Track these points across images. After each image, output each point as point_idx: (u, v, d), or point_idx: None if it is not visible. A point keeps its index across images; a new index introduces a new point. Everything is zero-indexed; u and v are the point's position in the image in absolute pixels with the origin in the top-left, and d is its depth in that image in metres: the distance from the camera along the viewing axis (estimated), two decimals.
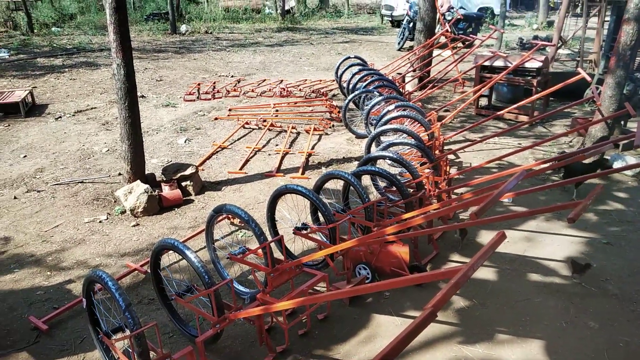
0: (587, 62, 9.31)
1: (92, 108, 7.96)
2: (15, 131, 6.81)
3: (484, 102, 8.01)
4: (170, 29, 16.56)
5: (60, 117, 7.47)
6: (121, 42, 4.35)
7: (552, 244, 3.95)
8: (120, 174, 5.28)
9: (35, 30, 15.59)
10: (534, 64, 7.02)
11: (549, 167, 3.57)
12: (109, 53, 12.13)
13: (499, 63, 7.37)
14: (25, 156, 5.93)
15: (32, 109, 7.77)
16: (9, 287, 3.51)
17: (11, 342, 2.98)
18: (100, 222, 4.42)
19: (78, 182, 5.21)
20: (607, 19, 8.43)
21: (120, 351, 2.40)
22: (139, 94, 5.05)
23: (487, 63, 7.45)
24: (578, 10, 14.09)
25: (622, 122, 6.08)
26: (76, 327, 3.11)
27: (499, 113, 5.43)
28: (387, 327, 3.05)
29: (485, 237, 4.06)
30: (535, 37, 13.39)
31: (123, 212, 4.56)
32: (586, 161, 4.77)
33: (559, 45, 9.95)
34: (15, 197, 4.88)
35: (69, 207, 4.69)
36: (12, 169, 5.55)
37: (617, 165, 5.25)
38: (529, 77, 7.20)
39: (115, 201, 4.77)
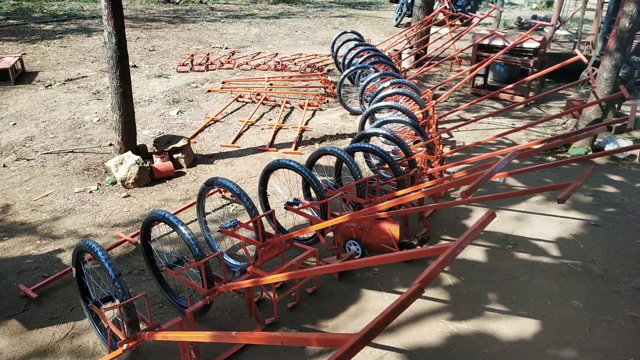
0: (585, 44, 9.26)
1: (83, 77, 7.83)
2: (4, 98, 6.69)
3: (480, 81, 7.97)
4: None
5: (50, 85, 7.34)
6: (113, 10, 4.24)
7: (541, 224, 3.99)
8: (111, 145, 5.23)
9: None
10: (531, 44, 6.96)
11: (541, 148, 3.58)
12: (100, 20, 11.87)
13: (496, 42, 7.31)
14: (14, 124, 5.84)
15: (21, 76, 7.62)
16: None
17: (0, 310, 2.98)
18: (90, 192, 4.39)
19: (68, 152, 5.16)
20: (607, 0, 8.34)
21: (109, 320, 2.41)
22: (130, 63, 4.97)
23: (484, 42, 7.39)
24: None
25: (617, 105, 6.08)
26: (66, 296, 3.12)
27: (494, 93, 5.42)
28: (375, 302, 3.08)
29: (476, 215, 4.09)
30: (534, 17, 13.25)
31: (114, 183, 4.53)
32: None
33: (557, 25, 9.87)
34: (4, 165, 4.82)
35: (59, 177, 4.65)
36: (1, 137, 5.47)
37: (609, 147, 5.27)
38: (526, 58, 7.16)
39: (105, 172, 4.73)
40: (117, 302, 2.37)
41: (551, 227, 3.95)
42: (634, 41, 7.64)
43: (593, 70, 5.51)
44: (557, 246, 3.69)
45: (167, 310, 3.02)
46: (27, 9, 13.41)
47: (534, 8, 17.99)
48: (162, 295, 3.06)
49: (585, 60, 4.82)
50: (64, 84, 7.44)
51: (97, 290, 2.73)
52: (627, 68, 6.35)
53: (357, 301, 3.10)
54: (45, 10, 13.27)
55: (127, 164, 4.47)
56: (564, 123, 6.26)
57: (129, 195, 4.36)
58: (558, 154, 5.33)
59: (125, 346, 2.33)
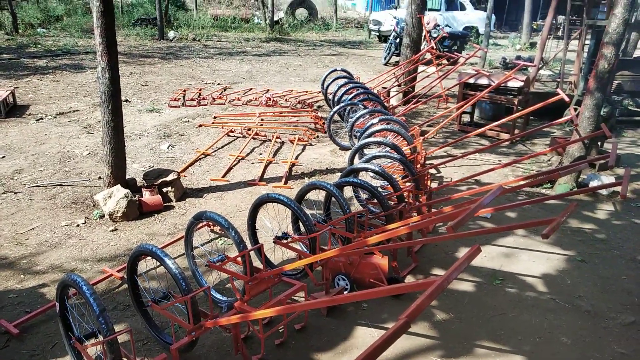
0: (567, 84, 9.54)
1: (74, 111, 7.87)
2: None
3: (466, 118, 8.15)
4: (157, 35, 16.51)
5: (41, 118, 7.37)
6: (107, 46, 4.32)
7: (528, 260, 4.02)
8: (100, 178, 5.22)
9: (20, 31, 15.41)
10: (515, 83, 7.17)
11: (526, 184, 3.64)
12: (94, 56, 12.02)
13: (482, 81, 7.52)
14: (3, 157, 5.82)
15: (12, 109, 7.65)
16: None
17: None
18: (77, 225, 4.36)
19: (57, 185, 5.13)
20: (587, 42, 8.67)
21: (92, 357, 2.36)
22: (123, 98, 5.02)
23: (470, 80, 7.59)
24: (560, 33, 14.47)
25: (599, 143, 6.24)
26: (48, 331, 3.05)
27: (480, 130, 5.53)
28: (364, 339, 3.05)
29: (464, 250, 4.10)
30: (518, 57, 13.68)
31: (102, 217, 4.50)
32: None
33: (540, 66, 10.18)
34: None
35: (46, 210, 4.61)
36: None
37: (593, 184, 5.37)
38: (510, 96, 7.35)
39: (94, 205, 4.71)
40: (101, 338, 2.33)
41: (538, 263, 3.97)
42: (615, 81, 7.91)
43: (575, 109, 5.67)
44: (544, 282, 3.71)
45: (152, 346, 2.96)
46: (21, 43, 13.57)
47: (518, 49, 18.57)
48: (147, 331, 3.01)
49: (567, 99, 4.96)
50: (55, 117, 7.47)
51: (81, 326, 2.68)
52: (608, 107, 6.54)
53: (345, 337, 3.07)
54: (39, 45, 13.44)
55: (115, 198, 4.46)
56: (549, 160, 6.39)
57: (116, 229, 4.33)
58: (544, 190, 5.42)
59: None
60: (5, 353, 2.86)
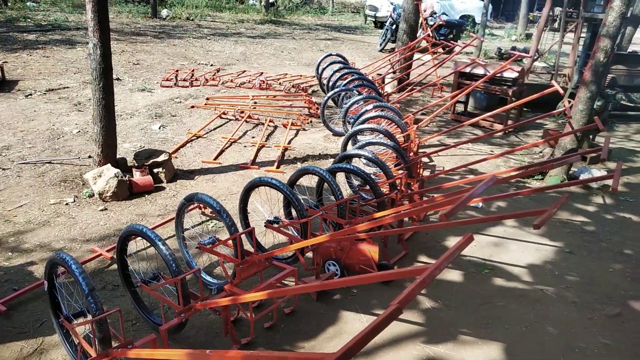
0: (561, 76, 9.56)
1: (64, 87, 7.75)
2: None
3: (460, 108, 8.14)
4: (150, 13, 16.23)
5: (30, 94, 7.24)
6: (99, 22, 4.24)
7: (517, 250, 4.05)
8: (90, 157, 5.16)
9: (9, 4, 15.06)
10: (510, 74, 7.16)
11: (519, 175, 3.66)
12: (85, 32, 11.82)
13: (477, 71, 7.50)
14: None
15: (1, 84, 7.50)
16: None
17: None
18: (66, 204, 4.31)
19: (45, 162, 5.07)
20: (583, 35, 8.67)
21: (80, 336, 2.34)
22: (114, 76, 4.95)
23: (466, 70, 7.57)
24: (556, 25, 14.45)
25: (591, 136, 6.27)
26: (36, 310, 3.03)
27: (474, 120, 5.53)
28: (353, 324, 3.07)
29: (454, 240, 4.13)
30: (514, 48, 13.66)
31: (91, 196, 4.46)
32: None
33: (535, 57, 10.18)
34: None
35: (34, 188, 4.55)
36: None
37: (583, 177, 5.41)
38: (505, 87, 7.35)
39: (83, 184, 4.66)
40: (90, 317, 2.31)
41: (527, 253, 4.01)
42: (609, 75, 7.93)
43: (569, 102, 5.69)
44: (532, 272, 3.75)
45: (141, 327, 2.96)
46: (10, 17, 13.28)
47: (514, 40, 18.54)
48: (136, 311, 3.00)
49: (561, 91, 4.97)
50: (45, 94, 7.35)
51: (69, 305, 2.66)
52: (602, 100, 6.57)
53: (335, 322, 3.08)
54: (29, 20, 13.16)
55: (105, 177, 4.41)
56: (541, 151, 6.42)
57: (106, 209, 4.29)
58: (535, 182, 5.45)
59: None
60: None
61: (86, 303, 2.30)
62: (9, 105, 6.68)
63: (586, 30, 8.39)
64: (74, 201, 4.37)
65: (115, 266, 3.37)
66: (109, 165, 4.57)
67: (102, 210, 4.26)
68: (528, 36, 18.39)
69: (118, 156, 4.86)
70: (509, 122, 7.29)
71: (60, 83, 7.94)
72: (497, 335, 3.04)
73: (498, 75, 7.03)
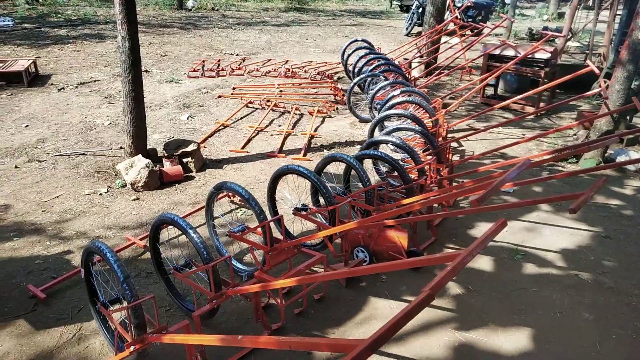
0: (596, 56, 9.22)
1: (95, 80, 7.92)
2: (18, 100, 6.78)
3: (490, 91, 7.96)
4: (176, 4, 16.39)
5: (63, 88, 7.43)
6: (127, 15, 4.30)
7: (550, 235, 3.96)
8: (121, 148, 5.27)
9: (40, 0, 15.42)
10: (542, 54, 6.94)
11: (552, 159, 3.55)
12: (114, 25, 12.02)
13: (507, 52, 7.30)
14: (27, 126, 5.91)
15: (35, 78, 7.72)
16: (8, 255, 3.53)
17: (9, 309, 3.00)
18: (100, 194, 4.42)
19: (79, 154, 5.20)
20: (619, 12, 8.31)
21: (117, 322, 2.41)
22: (142, 68, 5.01)
23: (495, 52, 7.38)
24: (590, 2, 13.90)
25: (628, 117, 6.04)
26: (74, 297, 3.13)
27: (504, 103, 5.39)
28: (382, 310, 3.06)
29: (484, 226, 4.06)
30: (545, 28, 13.25)
31: (123, 186, 4.56)
32: None
33: (568, 37, 9.84)
34: (16, 167, 4.87)
35: (69, 179, 4.69)
36: (13, 138, 5.53)
37: (620, 159, 5.23)
38: (536, 68, 7.13)
39: (116, 174, 4.77)
40: (125, 304, 2.38)
41: (561, 238, 3.91)
42: None
43: (605, 82, 5.48)
44: (566, 257, 3.66)
45: (174, 313, 3.03)
46: (42, 13, 13.61)
47: (545, 19, 17.96)
48: (169, 298, 3.07)
49: (597, 71, 4.79)
50: (77, 87, 7.53)
51: (105, 292, 2.74)
52: (639, 80, 6.30)
53: (364, 308, 3.08)
54: (59, 15, 13.47)
55: (137, 167, 4.50)
56: (575, 134, 6.22)
57: (138, 199, 4.38)
58: (569, 165, 5.30)
59: (132, 348, 2.33)
60: (33, 317, 2.95)
61: (121, 290, 2.36)
62: (43, 99, 6.88)
63: (622, 7, 8.03)
64: (108, 191, 4.49)
65: (148, 254, 3.45)
66: (139, 155, 4.66)
67: (134, 199, 4.36)
68: (560, 15, 17.77)
69: (148, 147, 4.95)
70: (541, 104, 7.09)
71: (91, 76, 8.12)
72: (530, 322, 2.98)
73: (529, 56, 6.82)
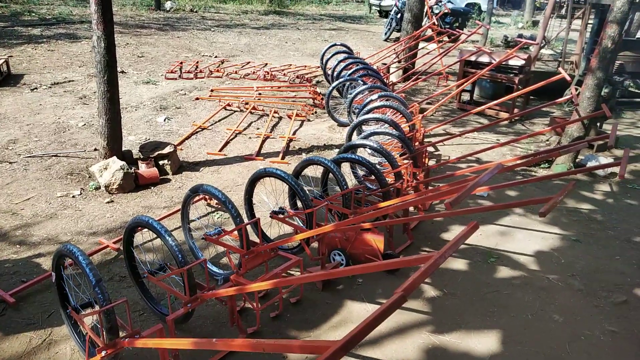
0: (569, 63, 9.45)
1: (69, 81, 7.77)
2: None
3: (466, 96, 8.09)
4: (154, 5, 16.21)
5: (36, 88, 7.27)
6: (103, 14, 4.23)
7: (523, 238, 4.04)
8: (96, 150, 5.18)
9: None
10: (517, 61, 7.10)
11: (525, 163, 3.63)
12: (89, 25, 11.81)
13: (483, 59, 7.43)
14: None
15: (7, 78, 7.53)
16: None
17: None
18: (73, 197, 4.34)
19: (52, 156, 5.09)
20: (591, 21, 8.55)
21: (88, 327, 2.37)
22: (119, 69, 4.95)
23: (471, 58, 7.50)
24: (563, 11, 14.26)
25: (598, 124, 6.21)
26: (44, 301, 3.06)
27: (480, 108, 5.49)
28: (358, 313, 3.08)
29: (459, 229, 4.12)
30: (520, 36, 13.52)
31: (97, 188, 4.48)
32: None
33: (542, 44, 10.07)
34: None
35: (41, 181, 4.58)
36: None
37: (590, 164, 5.37)
38: (511, 75, 7.28)
39: (89, 177, 4.68)
40: (97, 308, 2.33)
41: (533, 242, 3.99)
42: (617, 61, 7.83)
43: (576, 89, 5.63)
44: (538, 260, 3.74)
45: (148, 317, 2.98)
46: (15, 11, 13.30)
47: (520, 27, 18.36)
48: (143, 302, 3.02)
49: (568, 78, 4.92)
50: (50, 87, 7.37)
51: (77, 296, 2.69)
52: (609, 87, 6.48)
53: (340, 311, 3.09)
54: (33, 14, 13.18)
55: (111, 169, 4.43)
56: (548, 140, 6.37)
57: (112, 201, 4.31)
58: (541, 170, 5.42)
59: (103, 353, 2.29)
60: (2, 321, 2.88)
61: (93, 294, 2.32)
62: (15, 99, 6.72)
63: (594, 16, 8.27)
64: (81, 194, 4.40)
65: (122, 258, 3.40)
66: (114, 157, 4.59)
67: (108, 202, 4.29)
68: (535, 23, 18.19)
69: (124, 149, 4.88)
70: (515, 110, 7.24)
71: (65, 76, 7.96)
72: (502, 324, 3.04)
73: (504, 63, 6.97)
